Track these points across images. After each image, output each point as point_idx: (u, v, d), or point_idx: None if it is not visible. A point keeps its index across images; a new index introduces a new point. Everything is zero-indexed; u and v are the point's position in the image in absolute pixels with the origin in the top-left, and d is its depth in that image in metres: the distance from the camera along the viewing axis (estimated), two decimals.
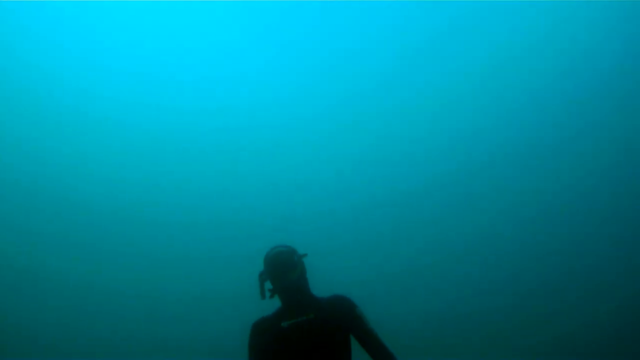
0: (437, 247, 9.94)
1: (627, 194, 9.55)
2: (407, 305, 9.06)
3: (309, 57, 11.04)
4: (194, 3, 10.61)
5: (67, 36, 10.39)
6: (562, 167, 10.16)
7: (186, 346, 8.82)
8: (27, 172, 9.84)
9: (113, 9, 10.39)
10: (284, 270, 2.46)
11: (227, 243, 9.75)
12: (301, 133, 10.89)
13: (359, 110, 10.91)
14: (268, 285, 2.56)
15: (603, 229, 9.52)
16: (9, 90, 9.96)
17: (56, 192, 9.93)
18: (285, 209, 10.02)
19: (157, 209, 10.21)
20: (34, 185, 9.80)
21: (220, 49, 11.04)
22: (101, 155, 10.24)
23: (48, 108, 10.26)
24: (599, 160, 9.95)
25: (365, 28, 10.83)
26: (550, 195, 10.11)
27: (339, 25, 10.90)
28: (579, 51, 10.27)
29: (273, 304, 2.60)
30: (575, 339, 8.59)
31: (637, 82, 9.79)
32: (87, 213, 9.92)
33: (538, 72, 10.48)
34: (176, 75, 11.02)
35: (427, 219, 10.19)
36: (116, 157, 10.29)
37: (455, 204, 10.30)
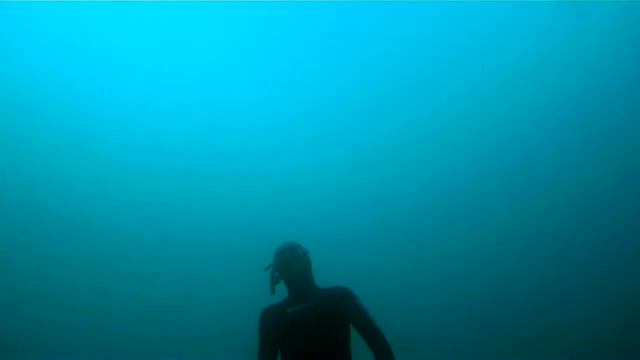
0: (446, 251, 9.93)
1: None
2: (412, 306, 9.06)
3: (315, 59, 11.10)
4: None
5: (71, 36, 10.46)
6: (580, 172, 10.10)
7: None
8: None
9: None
10: (289, 261, 2.73)
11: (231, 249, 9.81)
12: (307, 136, 10.91)
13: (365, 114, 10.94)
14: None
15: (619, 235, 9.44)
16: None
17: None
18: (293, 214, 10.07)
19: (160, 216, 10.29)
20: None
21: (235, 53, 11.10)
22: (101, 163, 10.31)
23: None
24: (612, 167, 9.89)
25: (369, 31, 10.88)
26: (567, 201, 10.05)
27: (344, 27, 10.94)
28: (590, 57, 10.24)
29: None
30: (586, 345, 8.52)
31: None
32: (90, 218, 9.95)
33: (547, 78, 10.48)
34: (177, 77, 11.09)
35: (434, 223, 10.17)
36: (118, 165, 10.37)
37: (465, 209, 10.29)
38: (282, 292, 2.82)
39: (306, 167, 10.78)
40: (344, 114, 11.06)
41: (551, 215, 10.02)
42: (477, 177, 10.51)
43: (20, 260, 9.06)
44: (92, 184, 10.09)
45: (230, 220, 10.16)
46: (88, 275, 9.33)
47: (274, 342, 2.62)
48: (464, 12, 10.33)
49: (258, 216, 10.12)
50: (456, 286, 9.63)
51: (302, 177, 10.63)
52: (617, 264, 9.27)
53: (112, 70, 10.61)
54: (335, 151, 10.92)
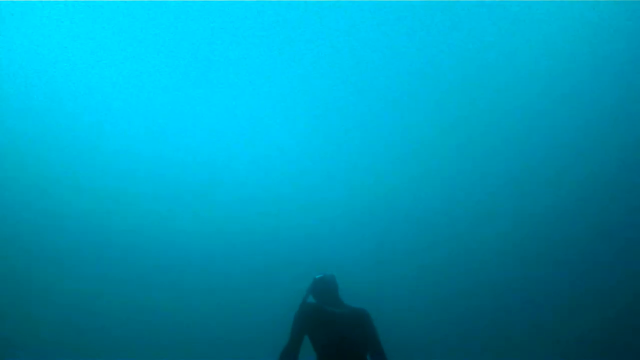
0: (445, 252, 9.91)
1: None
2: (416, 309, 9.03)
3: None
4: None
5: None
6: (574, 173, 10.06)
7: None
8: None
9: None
10: (333, 288, 3.65)
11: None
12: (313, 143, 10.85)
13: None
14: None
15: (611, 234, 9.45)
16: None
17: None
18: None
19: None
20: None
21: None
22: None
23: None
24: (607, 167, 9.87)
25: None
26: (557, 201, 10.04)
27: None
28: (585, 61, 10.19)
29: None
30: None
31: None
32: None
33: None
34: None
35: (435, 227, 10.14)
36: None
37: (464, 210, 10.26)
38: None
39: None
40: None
41: (547, 217, 10.04)
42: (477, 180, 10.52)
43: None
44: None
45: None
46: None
47: (305, 333, 3.30)
48: None
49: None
50: (453, 287, 9.66)
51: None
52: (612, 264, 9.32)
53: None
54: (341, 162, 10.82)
